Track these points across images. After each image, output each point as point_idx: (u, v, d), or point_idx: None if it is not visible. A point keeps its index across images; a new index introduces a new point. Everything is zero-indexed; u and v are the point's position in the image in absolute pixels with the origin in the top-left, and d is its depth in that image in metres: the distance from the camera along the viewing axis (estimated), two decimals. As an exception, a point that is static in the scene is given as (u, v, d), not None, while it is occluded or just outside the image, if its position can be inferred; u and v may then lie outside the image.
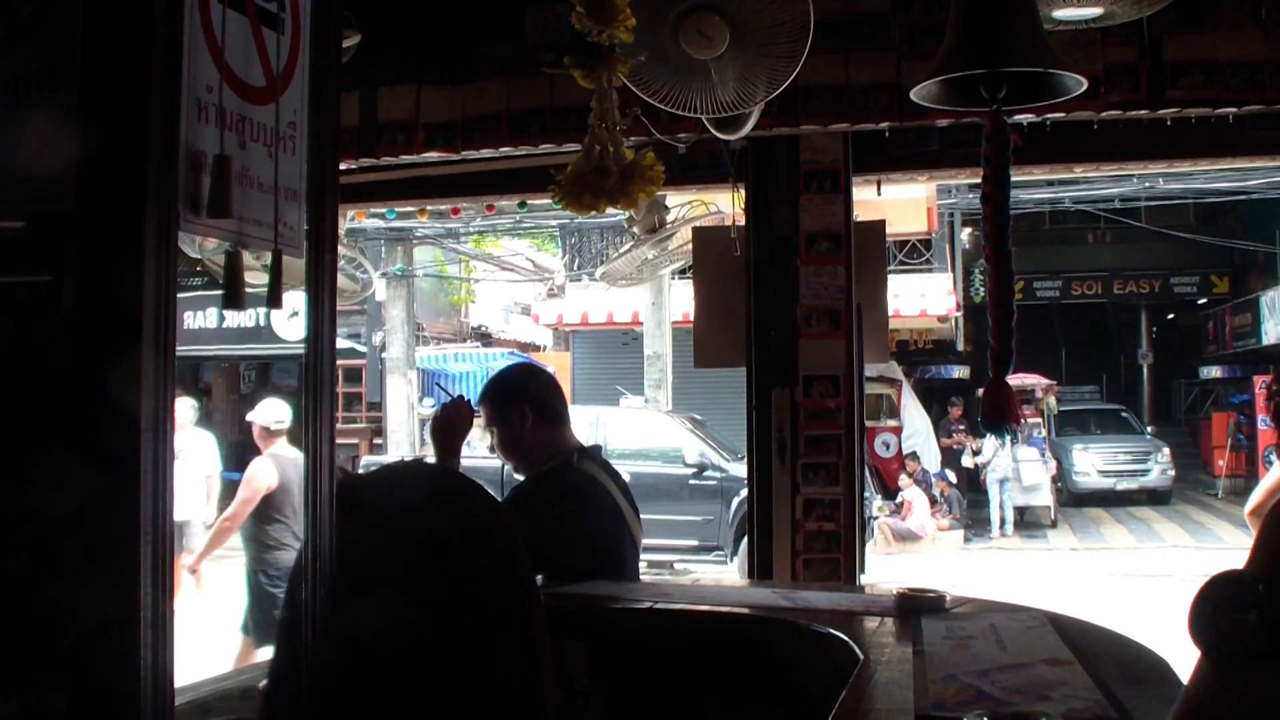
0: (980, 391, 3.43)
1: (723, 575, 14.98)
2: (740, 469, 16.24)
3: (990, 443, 22.05)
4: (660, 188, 3.85)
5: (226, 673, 2.50)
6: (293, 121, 1.24)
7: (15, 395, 1.03)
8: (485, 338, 29.10)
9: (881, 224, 6.18)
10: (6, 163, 1.06)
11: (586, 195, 3.67)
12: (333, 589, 1.27)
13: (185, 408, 12.64)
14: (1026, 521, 23.79)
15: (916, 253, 23.45)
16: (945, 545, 20.26)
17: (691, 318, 6.13)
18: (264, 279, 1.28)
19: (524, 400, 4.30)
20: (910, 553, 19.46)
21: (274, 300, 1.20)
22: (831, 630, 3.09)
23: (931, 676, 2.54)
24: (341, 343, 23.11)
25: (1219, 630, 1.19)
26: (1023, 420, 20.32)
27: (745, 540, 15.51)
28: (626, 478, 4.50)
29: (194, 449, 12.50)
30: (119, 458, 0.97)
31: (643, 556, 4.66)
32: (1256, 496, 6.40)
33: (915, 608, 3.25)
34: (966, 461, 24.01)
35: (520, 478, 4.41)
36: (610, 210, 3.98)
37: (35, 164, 1.03)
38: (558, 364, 22.63)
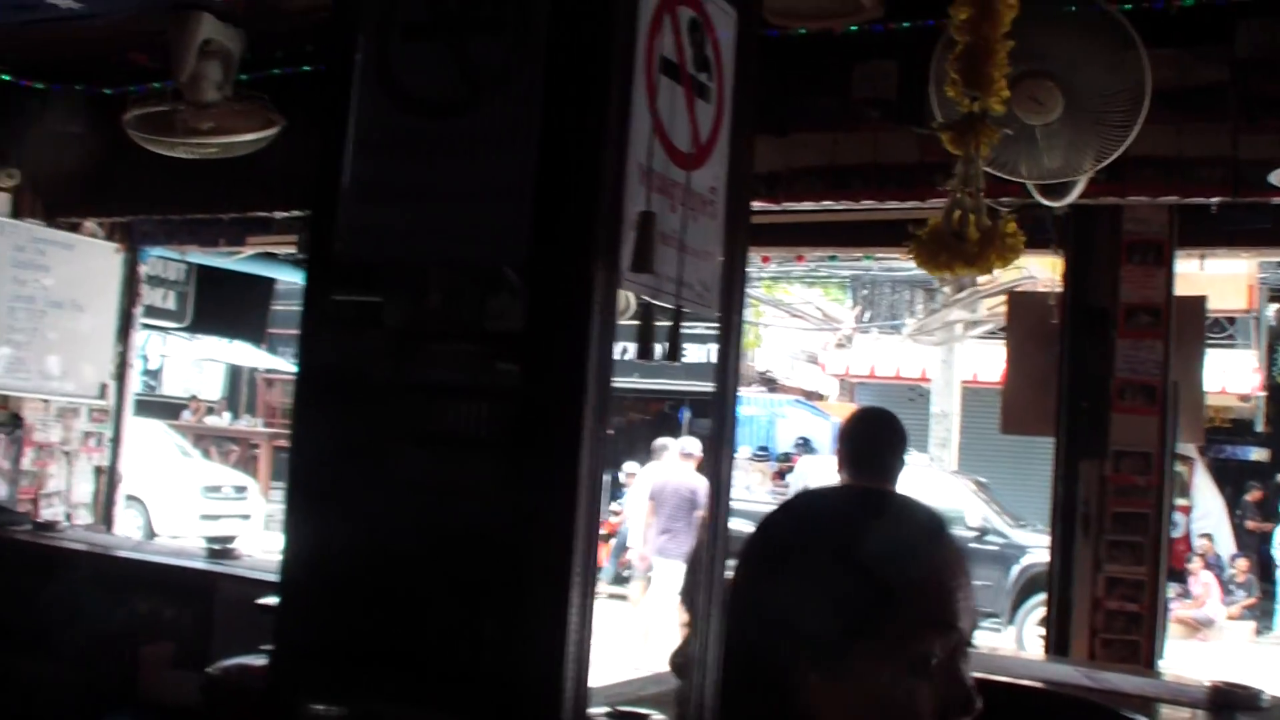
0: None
1: (998, 644, 14.61)
2: (1022, 536, 15.87)
3: None
4: (1019, 255, 3.81)
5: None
6: (713, 186, 1.31)
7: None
8: (771, 383, 29.13)
9: (1202, 300, 6.00)
10: (467, 210, 1.16)
11: (943, 256, 3.67)
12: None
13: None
14: (1327, 617, 22.47)
15: (1219, 327, 22.48)
16: (1236, 635, 19.29)
17: (981, 378, 6.08)
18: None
19: (845, 449, 4.26)
20: (1196, 639, 18.61)
21: (674, 355, 1.27)
22: (1139, 717, 3.01)
23: (1251, 777, 2.46)
24: (631, 379, 23.56)
25: None
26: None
27: (1022, 609, 15.17)
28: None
29: None
30: (561, 470, 1.08)
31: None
32: None
33: (1229, 703, 3.14)
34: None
35: None
36: (905, 263, 3.98)
37: (494, 213, 1.12)
38: (842, 415, 22.48)
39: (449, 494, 1.17)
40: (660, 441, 13.81)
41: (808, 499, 1.70)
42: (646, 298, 1.22)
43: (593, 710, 2.21)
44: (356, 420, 1.20)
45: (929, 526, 1.53)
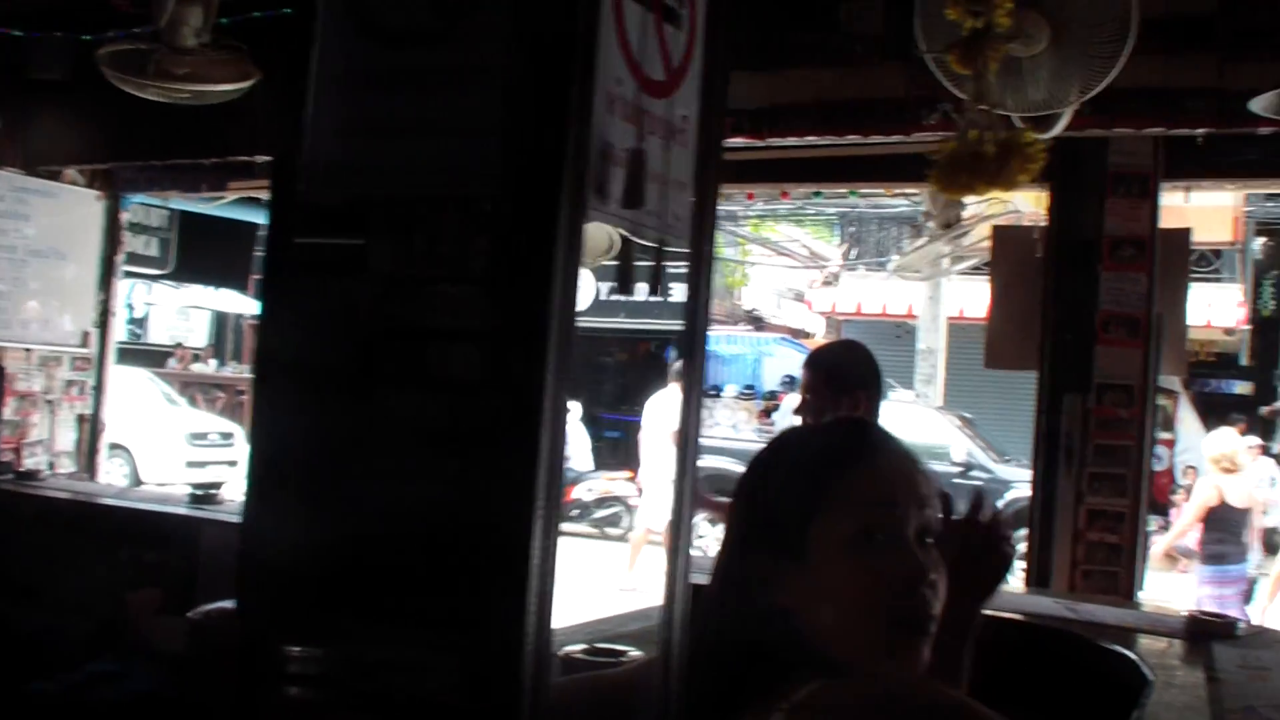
0: (1264, 409, 3.31)
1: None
2: (1007, 471, 15.94)
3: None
4: (1040, 167, 3.78)
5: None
6: (685, 115, 1.30)
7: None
8: (757, 321, 29.15)
9: (1187, 232, 5.99)
10: (434, 145, 1.14)
11: (963, 176, 3.65)
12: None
13: None
14: (1306, 548, 22.64)
15: (1205, 261, 22.48)
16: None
17: (968, 314, 6.09)
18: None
19: (860, 388, 4.23)
20: (1178, 570, 18.72)
21: (655, 288, 1.28)
22: (1118, 648, 3.02)
23: (1229, 706, 2.47)
24: (616, 319, 23.59)
25: None
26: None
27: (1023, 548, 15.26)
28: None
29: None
30: (524, 413, 1.07)
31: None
32: None
33: (1206, 632, 3.16)
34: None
35: None
36: (892, 199, 3.96)
37: (461, 149, 1.11)
38: (827, 352, 22.47)
39: (411, 436, 1.17)
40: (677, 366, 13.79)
41: (791, 433, 1.99)
42: (625, 233, 1.21)
43: (570, 648, 2.23)
44: (320, 363, 1.20)
45: (891, 442, 1.75)
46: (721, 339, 26.98)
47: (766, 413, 20.80)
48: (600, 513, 17.59)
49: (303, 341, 1.20)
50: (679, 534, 1.31)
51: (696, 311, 1.24)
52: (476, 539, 1.10)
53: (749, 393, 22.74)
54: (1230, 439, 9.98)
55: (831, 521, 1.63)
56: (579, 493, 17.18)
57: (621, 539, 16.31)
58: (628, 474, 18.12)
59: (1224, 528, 9.51)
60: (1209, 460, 9.44)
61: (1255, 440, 18.70)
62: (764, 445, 1.81)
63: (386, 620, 1.15)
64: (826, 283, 25.91)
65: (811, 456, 1.73)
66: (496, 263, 1.09)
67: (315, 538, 1.17)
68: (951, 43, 3.63)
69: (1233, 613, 8.43)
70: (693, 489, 1.33)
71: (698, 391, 1.29)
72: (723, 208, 22.18)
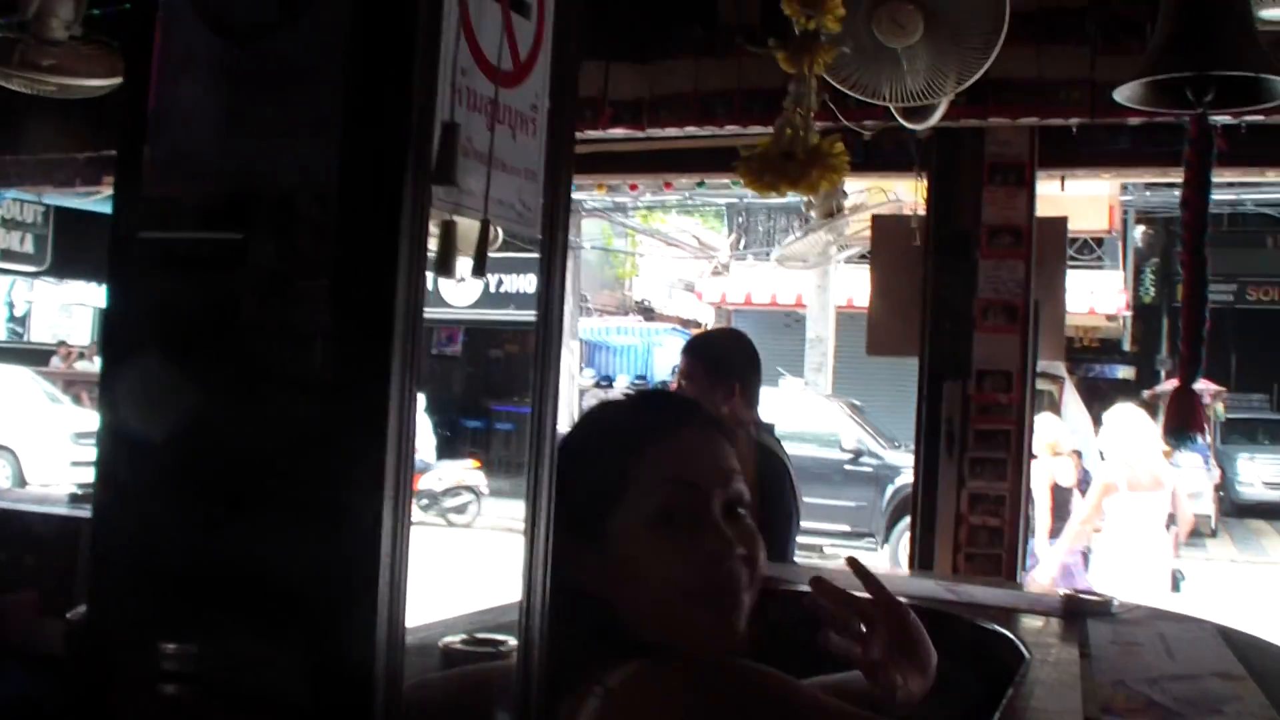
0: (1145, 393, 3.40)
1: (873, 563, 14.87)
2: (897, 457, 16.15)
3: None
4: (844, 176, 3.84)
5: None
6: (535, 104, 1.30)
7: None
8: (648, 312, 29.25)
9: (1063, 220, 6.10)
10: (276, 138, 1.13)
11: (768, 176, 3.67)
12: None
13: None
14: (1186, 529, 23.19)
15: (1088, 249, 22.93)
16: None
17: (856, 303, 6.16)
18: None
19: (735, 376, 4.25)
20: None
21: (480, 270, 1.27)
22: (996, 627, 3.07)
23: (1099, 680, 2.52)
24: (507, 311, 23.47)
25: None
26: (1206, 432, 19.83)
27: (898, 529, 15.45)
28: (791, 462, 4.48)
29: None
30: (370, 412, 1.06)
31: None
32: None
33: (1081, 610, 3.22)
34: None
35: None
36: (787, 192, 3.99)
37: (303, 141, 1.10)
38: (718, 342, 22.58)
39: (256, 429, 1.16)
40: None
41: (593, 411, 1.91)
42: (448, 213, 1.21)
43: (449, 639, 2.22)
44: (165, 359, 1.18)
45: (693, 415, 1.75)
46: (612, 330, 27.03)
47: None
48: (449, 502, 17.66)
49: (147, 337, 1.19)
50: (537, 522, 1.31)
51: (550, 300, 1.25)
52: (325, 530, 1.09)
53: (640, 383, 22.83)
54: (1053, 426, 10.33)
55: (629, 506, 1.63)
56: (428, 482, 17.18)
57: (467, 527, 16.46)
58: (474, 463, 18.25)
59: (1062, 506, 9.95)
60: (1045, 445, 9.70)
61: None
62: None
63: (236, 615, 1.14)
64: (716, 273, 26.06)
65: (606, 439, 1.72)
66: (340, 256, 1.08)
67: (162, 534, 1.16)
68: (779, 43, 3.66)
69: (1080, 579, 8.70)
70: (551, 477, 1.32)
71: (553, 378, 1.29)
72: (611, 199, 22.21)
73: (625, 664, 1.50)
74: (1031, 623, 3.16)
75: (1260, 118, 4.68)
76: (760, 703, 1.50)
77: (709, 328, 22.09)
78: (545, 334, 1.25)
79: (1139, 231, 27.70)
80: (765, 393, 15.66)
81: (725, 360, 4.28)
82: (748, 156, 3.75)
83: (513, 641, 2.11)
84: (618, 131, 5.44)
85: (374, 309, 1.05)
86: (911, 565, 5.63)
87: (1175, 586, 9.83)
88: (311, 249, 1.09)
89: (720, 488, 1.67)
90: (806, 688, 1.58)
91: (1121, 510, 9.10)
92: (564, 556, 1.48)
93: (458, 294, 22.94)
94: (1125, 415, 9.68)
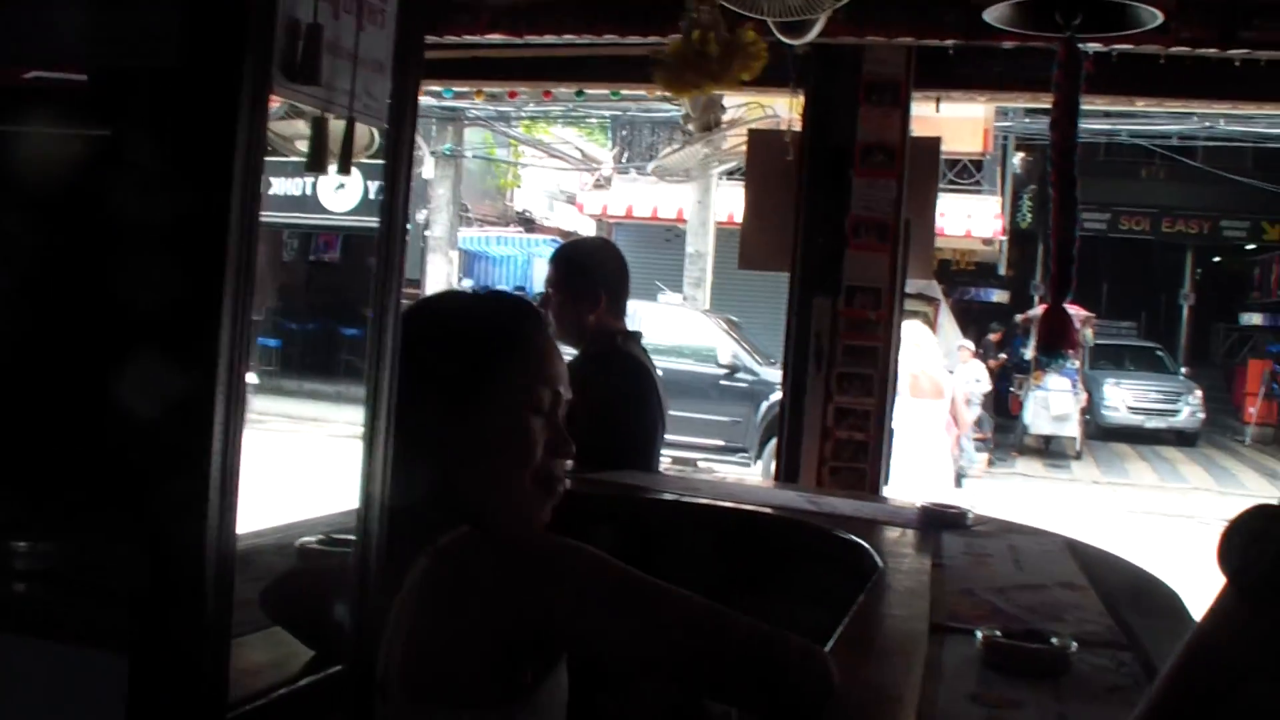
0: (1019, 317, 3.47)
1: (746, 477, 15.05)
2: (772, 374, 16.27)
3: None
4: (763, 63, 3.82)
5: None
6: (383, -6, 1.27)
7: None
8: (529, 223, 29.06)
9: (937, 141, 6.16)
10: (109, 13, 1.10)
11: (689, 75, 3.66)
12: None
13: None
14: (1052, 451, 23.78)
15: (967, 173, 23.17)
16: (970, 467, 20.25)
17: (737, 219, 6.16)
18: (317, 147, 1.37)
19: (601, 286, 4.21)
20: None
21: (344, 168, 1.26)
22: (853, 537, 3.13)
23: (949, 589, 2.59)
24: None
25: (1245, 560, 1.20)
26: (1077, 347, 20.27)
27: (771, 444, 15.59)
28: (659, 373, 4.48)
29: None
30: (199, 307, 1.04)
31: (668, 453, 4.67)
32: None
33: (937, 522, 3.30)
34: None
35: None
36: (663, 104, 3.97)
37: (138, 18, 1.07)
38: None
39: (87, 327, 1.14)
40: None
41: (445, 300, 2.41)
42: (316, 109, 1.19)
43: (306, 539, 2.22)
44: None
45: (538, 315, 2.04)
46: (492, 240, 26.85)
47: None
48: None
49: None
50: (376, 430, 1.31)
51: (396, 194, 1.23)
52: (157, 431, 1.08)
53: (520, 292, 22.71)
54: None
55: (491, 395, 1.87)
56: None
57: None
58: None
59: None
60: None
61: (969, 344, 19.68)
62: (411, 305, 1.96)
63: (73, 516, 1.13)
64: (598, 185, 25.93)
65: (477, 329, 1.96)
66: (174, 143, 1.05)
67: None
68: None
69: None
70: (393, 381, 1.32)
71: (397, 277, 1.27)
72: (494, 108, 21.97)
73: (455, 529, 1.72)
74: (889, 534, 3.23)
75: (1130, 46, 4.76)
76: (571, 572, 1.70)
77: (579, 236, 22.02)
78: (390, 228, 1.23)
79: (1018, 158, 28.04)
80: (644, 307, 15.69)
81: (592, 269, 4.25)
82: (662, 59, 3.72)
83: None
84: (495, 38, 5.36)
85: (208, 201, 1.02)
86: (778, 477, 5.70)
87: (958, 483, 10.25)
88: (141, 134, 1.06)
89: (561, 391, 1.94)
90: (632, 569, 1.75)
91: (906, 416, 9.39)
92: (417, 430, 1.69)
93: (336, 201, 22.61)
94: (911, 329, 10.03)
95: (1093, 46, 4.72)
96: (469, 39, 5.41)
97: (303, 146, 1.41)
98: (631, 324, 4.39)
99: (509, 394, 1.88)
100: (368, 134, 1.33)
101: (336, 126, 1.30)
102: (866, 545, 3.03)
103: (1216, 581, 1.25)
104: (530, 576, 1.68)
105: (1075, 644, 2.04)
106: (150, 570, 1.08)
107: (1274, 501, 1.33)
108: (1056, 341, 3.38)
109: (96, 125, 1.12)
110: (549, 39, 5.33)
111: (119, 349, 1.10)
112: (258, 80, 1.02)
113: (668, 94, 3.89)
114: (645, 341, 4.36)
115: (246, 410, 1.06)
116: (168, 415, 1.06)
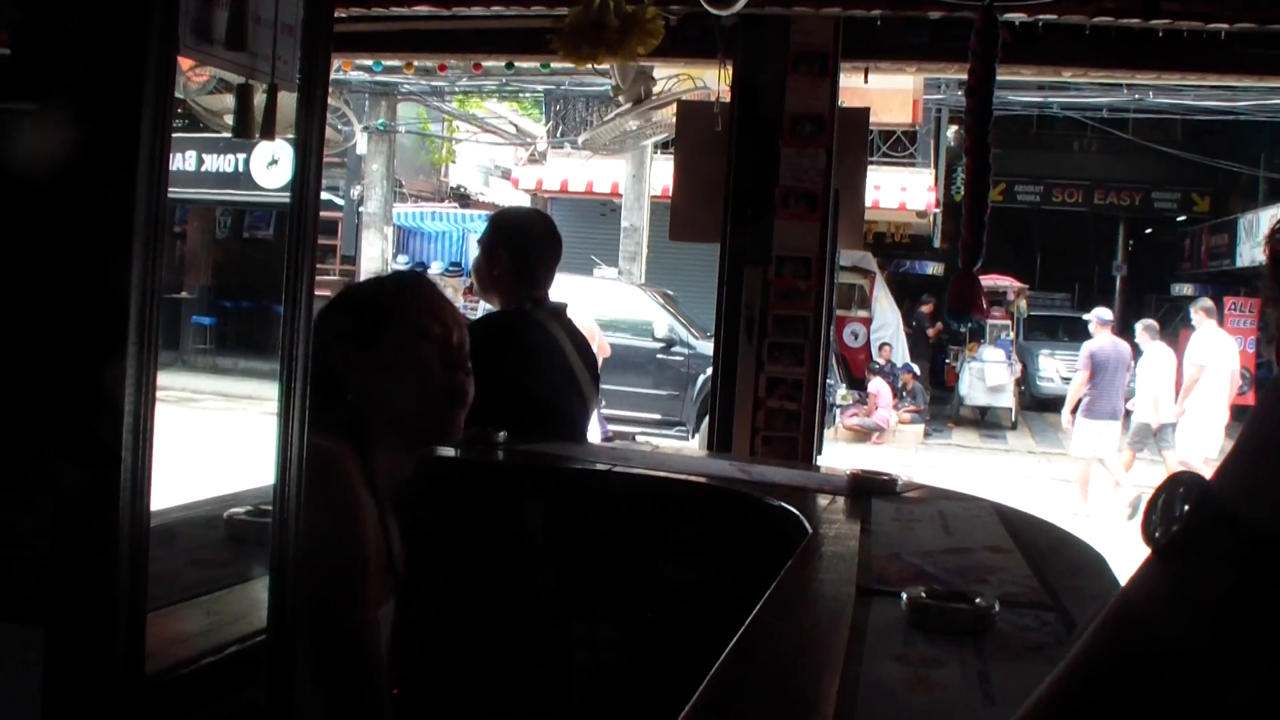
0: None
1: (683, 449, 15.09)
2: (708, 347, 16.27)
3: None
4: (659, 40, 3.83)
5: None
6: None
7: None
8: (464, 198, 28.88)
9: (866, 111, 6.18)
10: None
11: (585, 46, 3.67)
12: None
13: None
14: (987, 422, 23.98)
15: (900, 146, 23.28)
16: (906, 439, 20.41)
17: (670, 192, 6.14)
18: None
19: (506, 248, 4.22)
20: (870, 444, 19.60)
21: (268, 133, 1.25)
22: (783, 504, 3.15)
23: (876, 553, 2.61)
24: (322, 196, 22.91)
25: (1163, 523, 1.22)
26: (986, 314, 20.42)
27: (708, 418, 15.63)
28: (577, 345, 4.46)
29: None
30: (108, 270, 1.03)
31: (606, 427, 4.67)
32: None
33: (867, 489, 3.33)
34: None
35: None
36: (597, 78, 3.98)
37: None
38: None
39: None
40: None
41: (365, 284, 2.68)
42: (239, 76, 1.18)
43: (234, 510, 2.22)
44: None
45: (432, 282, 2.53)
46: (427, 216, 26.70)
47: (471, 289, 20.75)
48: None
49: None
50: (290, 405, 1.30)
51: (309, 162, 1.22)
52: (67, 406, 1.07)
53: (455, 269, 22.60)
54: None
55: (400, 327, 2.30)
56: None
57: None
58: None
59: None
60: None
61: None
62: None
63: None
64: (533, 160, 25.82)
65: (372, 285, 2.52)
66: (78, 103, 1.04)
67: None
68: None
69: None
70: (306, 355, 1.32)
71: (309, 251, 1.26)
72: (428, 83, 21.83)
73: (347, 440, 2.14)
74: (820, 501, 3.25)
75: (1053, 17, 4.80)
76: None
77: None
78: (301, 198, 1.22)
79: (951, 131, 28.16)
80: (579, 281, 15.63)
81: (503, 232, 4.28)
82: (560, 29, 3.72)
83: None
84: (422, 9, 5.33)
85: (114, 162, 1.01)
86: (710, 447, 5.73)
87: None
88: (46, 94, 1.05)
89: (450, 323, 2.36)
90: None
91: None
92: (339, 358, 2.20)
93: (269, 177, 22.40)
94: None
95: (1017, 17, 4.77)
96: (397, 11, 5.38)
97: (231, 121, 1.41)
98: (565, 298, 4.39)
99: (401, 330, 2.28)
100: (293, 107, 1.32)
101: (264, 100, 1.29)
102: (796, 512, 3.05)
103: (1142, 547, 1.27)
104: None
105: (998, 604, 2.07)
106: (60, 543, 1.07)
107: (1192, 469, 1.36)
108: (966, 306, 3.42)
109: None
110: (477, 10, 5.31)
111: (26, 320, 1.09)
112: (164, 43, 1.01)
113: (569, 62, 3.89)
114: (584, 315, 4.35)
115: (157, 384, 1.05)
116: (77, 390, 1.05)
